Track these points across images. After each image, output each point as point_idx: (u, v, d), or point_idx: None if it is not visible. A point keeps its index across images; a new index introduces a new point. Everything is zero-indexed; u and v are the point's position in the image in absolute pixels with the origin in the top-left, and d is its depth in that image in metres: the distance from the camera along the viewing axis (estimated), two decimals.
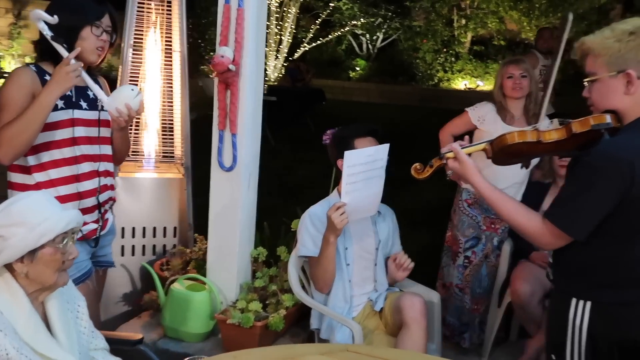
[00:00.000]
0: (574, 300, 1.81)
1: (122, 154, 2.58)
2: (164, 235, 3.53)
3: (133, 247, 3.44)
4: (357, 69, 15.66)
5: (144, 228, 3.47)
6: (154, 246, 3.51)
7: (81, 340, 1.85)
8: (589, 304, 1.79)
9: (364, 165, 2.45)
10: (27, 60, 10.59)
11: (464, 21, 14.36)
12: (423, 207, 5.43)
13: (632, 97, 1.74)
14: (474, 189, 1.94)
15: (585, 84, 1.83)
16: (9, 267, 1.66)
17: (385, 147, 2.53)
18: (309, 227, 2.67)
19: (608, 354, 1.80)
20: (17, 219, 1.64)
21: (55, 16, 2.14)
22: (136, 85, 3.40)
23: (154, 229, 3.50)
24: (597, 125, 1.77)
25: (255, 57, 2.82)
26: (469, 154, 1.95)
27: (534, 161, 3.26)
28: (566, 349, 1.83)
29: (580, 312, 1.80)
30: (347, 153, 2.39)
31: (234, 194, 2.95)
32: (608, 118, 1.77)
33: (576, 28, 13.13)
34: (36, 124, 2.13)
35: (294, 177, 6.99)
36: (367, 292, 2.77)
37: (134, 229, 3.43)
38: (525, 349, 3.17)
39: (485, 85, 14.33)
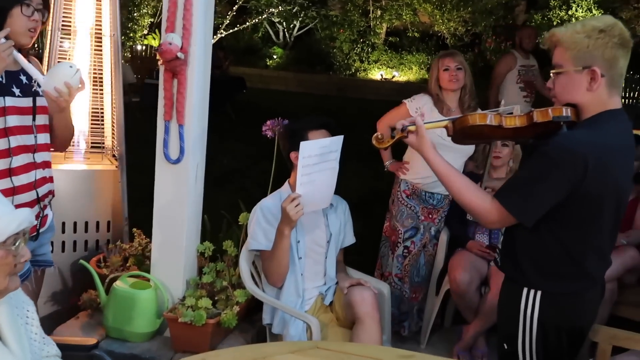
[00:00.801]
0: (525, 290, 1.87)
1: (66, 139, 2.41)
2: (97, 230, 3.35)
3: (63, 243, 3.24)
4: (275, 57, 15.56)
5: (74, 223, 3.27)
6: (86, 242, 3.32)
7: (33, 347, 1.72)
8: (539, 293, 1.85)
9: (319, 157, 2.42)
10: None
11: (379, 12, 14.61)
12: (351, 197, 5.46)
13: (593, 93, 1.78)
14: (428, 163, 1.95)
15: (551, 75, 1.87)
16: None
17: (340, 138, 2.51)
18: (261, 220, 2.62)
19: (557, 340, 1.88)
20: None
21: None
22: None
23: (86, 223, 3.31)
24: (557, 117, 1.82)
25: (203, 44, 2.70)
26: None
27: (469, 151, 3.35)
28: (518, 337, 1.89)
29: (531, 302, 1.86)
30: (302, 144, 2.36)
31: (181, 187, 2.83)
32: (567, 111, 1.82)
33: (485, 22, 13.77)
34: None
35: (217, 167, 6.84)
36: (318, 286, 2.75)
37: (64, 223, 3.22)
38: (462, 334, 3.28)
39: (400, 76, 14.67)
